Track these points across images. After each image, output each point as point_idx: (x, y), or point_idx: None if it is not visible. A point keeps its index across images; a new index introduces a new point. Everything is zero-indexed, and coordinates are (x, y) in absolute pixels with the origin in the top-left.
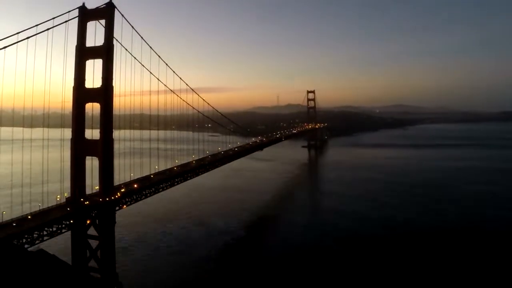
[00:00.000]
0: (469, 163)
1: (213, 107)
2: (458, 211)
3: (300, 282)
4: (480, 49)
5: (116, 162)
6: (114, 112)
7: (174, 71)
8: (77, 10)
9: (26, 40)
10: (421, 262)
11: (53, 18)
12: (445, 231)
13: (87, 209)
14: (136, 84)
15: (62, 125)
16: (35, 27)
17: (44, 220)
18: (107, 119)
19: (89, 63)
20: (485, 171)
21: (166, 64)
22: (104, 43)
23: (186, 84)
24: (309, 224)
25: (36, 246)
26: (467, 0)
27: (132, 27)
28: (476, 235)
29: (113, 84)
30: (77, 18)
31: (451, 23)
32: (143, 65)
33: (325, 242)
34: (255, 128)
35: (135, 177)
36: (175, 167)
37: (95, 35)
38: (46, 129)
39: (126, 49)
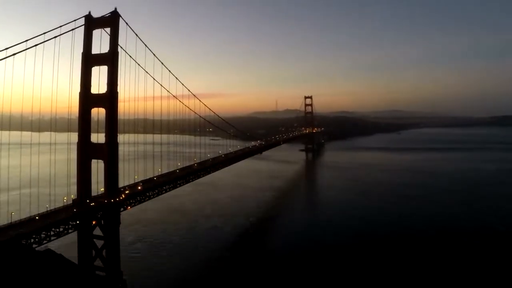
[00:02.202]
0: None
1: (214, 112)
2: None
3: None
4: (471, 57)
5: (120, 165)
6: (118, 117)
7: (176, 78)
8: (84, 18)
9: (34, 47)
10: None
11: (60, 26)
12: None
13: (93, 210)
14: (140, 90)
15: (68, 129)
16: (43, 35)
17: (51, 220)
18: (112, 124)
19: (95, 70)
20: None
21: (169, 71)
22: (109, 51)
23: (188, 90)
24: (305, 218)
25: (44, 245)
26: (458, 11)
27: (136, 35)
28: None
29: (118, 90)
30: (83, 26)
31: (443, 34)
32: (146, 72)
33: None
34: (254, 132)
35: (139, 179)
36: (177, 169)
37: (100, 43)
38: (53, 133)
39: (130, 56)
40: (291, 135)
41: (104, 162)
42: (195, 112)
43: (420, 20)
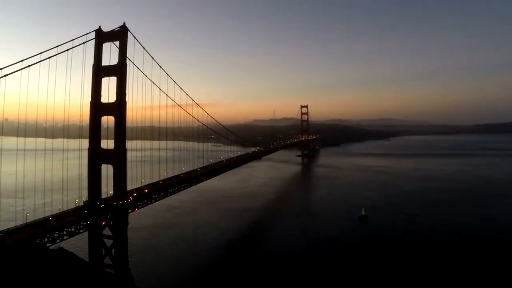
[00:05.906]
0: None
1: (216, 120)
2: None
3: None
4: (458, 72)
5: (128, 169)
6: (127, 124)
7: (181, 88)
8: (94, 32)
9: (48, 59)
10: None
11: (72, 40)
12: None
13: (103, 212)
14: (147, 99)
15: (80, 136)
16: (56, 47)
17: (63, 221)
18: (120, 131)
19: (105, 80)
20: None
21: (174, 81)
22: (118, 62)
23: (192, 99)
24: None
25: (57, 245)
26: (447, 25)
27: (144, 48)
28: None
29: (126, 99)
30: (94, 40)
31: (433, 50)
32: (153, 82)
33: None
34: (254, 139)
35: (146, 183)
36: (182, 173)
37: (110, 55)
38: (66, 140)
39: (138, 68)
40: (288, 141)
41: (113, 167)
42: (198, 120)
43: (412, 35)
